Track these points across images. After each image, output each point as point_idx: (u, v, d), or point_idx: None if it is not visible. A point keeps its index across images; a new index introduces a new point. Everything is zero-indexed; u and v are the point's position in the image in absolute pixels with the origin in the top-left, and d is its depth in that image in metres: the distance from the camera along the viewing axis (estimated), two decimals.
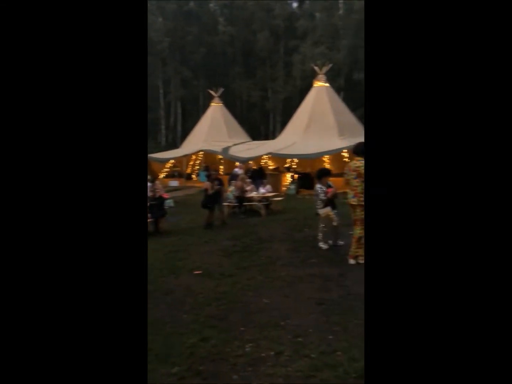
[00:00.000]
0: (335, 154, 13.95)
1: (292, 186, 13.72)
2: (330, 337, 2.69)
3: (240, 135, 20.65)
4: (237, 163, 13.81)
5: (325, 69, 17.20)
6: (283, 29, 29.82)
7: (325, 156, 15.44)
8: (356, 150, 4.78)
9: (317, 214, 5.82)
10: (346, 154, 13.43)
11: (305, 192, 13.49)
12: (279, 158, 15.05)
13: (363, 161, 4.61)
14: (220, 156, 16.54)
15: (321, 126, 15.62)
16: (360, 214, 4.61)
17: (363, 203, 4.60)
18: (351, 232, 5.02)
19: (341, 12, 25.41)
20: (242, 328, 2.92)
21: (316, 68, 17.42)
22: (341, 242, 5.61)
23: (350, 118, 16.90)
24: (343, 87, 24.27)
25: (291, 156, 14.71)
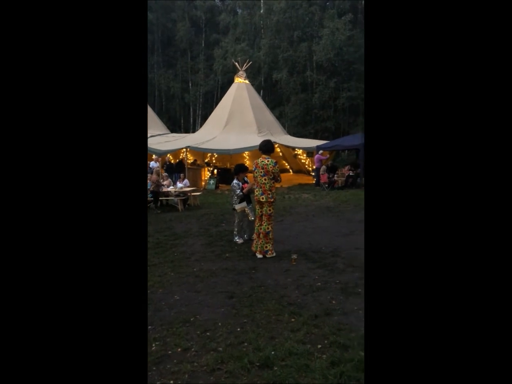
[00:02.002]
0: (255, 150, 14.26)
1: (212, 181, 13.68)
2: (238, 329, 2.75)
3: (158, 126, 19.86)
4: (154, 156, 13.28)
5: (245, 66, 17.42)
6: (204, 22, 29.39)
7: (245, 152, 15.71)
8: (262, 148, 4.95)
9: (233, 209, 5.89)
10: None
11: (224, 187, 13.55)
12: (198, 152, 14.86)
13: (270, 159, 4.84)
14: None
15: (241, 122, 15.82)
16: (267, 210, 4.80)
17: (271, 200, 4.82)
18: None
19: (262, 11, 25.94)
20: (149, 327, 2.81)
21: (236, 64, 17.55)
22: (254, 237, 5.76)
23: (269, 116, 17.42)
24: (263, 86, 24.88)
25: (211, 150, 14.65)
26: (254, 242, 4.97)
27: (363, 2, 25.39)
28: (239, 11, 28.95)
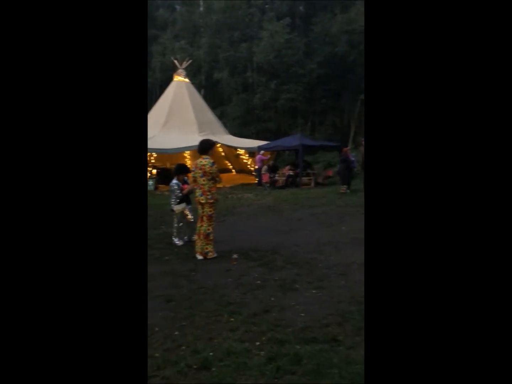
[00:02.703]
0: (195, 150, 14.06)
1: (150, 182, 13.23)
2: (176, 333, 2.69)
3: None
4: None
5: (185, 64, 17.11)
6: None
7: (186, 152, 15.41)
8: (200, 149, 4.91)
9: (172, 210, 5.76)
10: None
11: (164, 188, 13.16)
12: None
13: (208, 159, 4.81)
14: None
15: (181, 121, 15.51)
16: (208, 211, 4.77)
17: (211, 201, 4.79)
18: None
19: (201, 9, 25.68)
20: None
21: (176, 62, 17.17)
22: (195, 238, 5.69)
23: (210, 116, 17.30)
24: (204, 85, 24.64)
25: (150, 150, 14.14)
26: (196, 243, 4.91)
27: (301, 7, 26.31)
28: (178, 7, 28.35)
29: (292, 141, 14.60)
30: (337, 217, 7.34)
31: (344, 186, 10.87)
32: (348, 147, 14.63)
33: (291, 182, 13.63)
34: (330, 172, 14.43)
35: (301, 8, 26.48)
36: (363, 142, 11.64)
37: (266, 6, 25.23)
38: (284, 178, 13.93)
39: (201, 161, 4.77)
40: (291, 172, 14.01)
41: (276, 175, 14.06)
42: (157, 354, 2.38)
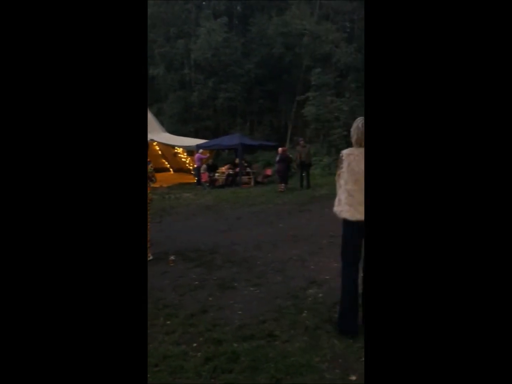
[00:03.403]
0: None
1: None
2: None
3: None
4: None
5: None
6: None
7: None
8: None
9: None
10: None
11: None
12: None
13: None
14: None
15: None
16: None
17: (147, 201, 4.61)
18: None
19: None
20: None
21: None
22: None
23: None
24: None
25: None
26: None
27: (238, 7, 26.45)
28: None
29: (231, 140, 14.65)
30: (275, 215, 7.52)
31: (283, 184, 11.17)
32: (286, 147, 15.07)
33: (231, 181, 13.68)
34: (269, 171, 14.74)
35: (238, 8, 26.62)
36: (300, 142, 12.05)
37: (203, 3, 24.95)
38: (223, 177, 13.92)
39: None
40: (230, 171, 14.05)
41: (216, 174, 14.01)
42: None
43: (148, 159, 4.72)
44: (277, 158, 11.65)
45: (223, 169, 14.55)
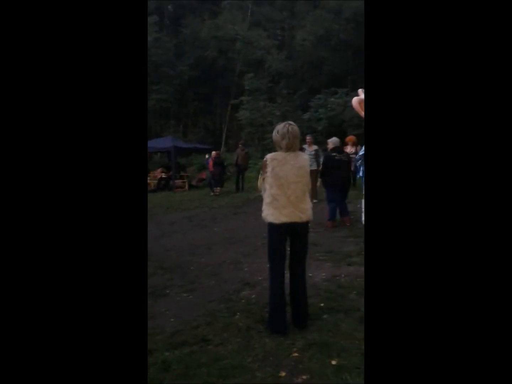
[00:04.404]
0: None
1: None
2: None
3: None
4: None
5: None
6: None
7: None
8: None
9: None
10: None
11: None
12: None
13: None
14: None
15: None
16: None
17: None
18: None
19: None
20: None
21: None
22: None
23: None
24: None
25: None
26: None
27: (169, 6, 25.89)
28: None
29: (164, 142, 14.27)
30: (210, 219, 7.50)
31: (218, 188, 11.17)
32: (220, 150, 15.09)
33: (164, 185, 13.31)
34: (204, 175, 14.63)
35: (169, 7, 26.09)
36: (240, 146, 12.19)
37: None
38: (156, 181, 13.50)
39: None
40: (163, 175, 13.67)
41: (148, 177, 13.52)
42: None
43: None
44: (212, 161, 11.62)
45: (156, 172, 14.11)
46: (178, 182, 13.37)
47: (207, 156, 13.66)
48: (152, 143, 14.66)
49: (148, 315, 3.01)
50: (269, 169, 2.54)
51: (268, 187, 2.56)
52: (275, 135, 2.59)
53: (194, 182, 14.10)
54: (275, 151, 2.67)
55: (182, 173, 14.01)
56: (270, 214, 2.54)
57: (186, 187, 13.40)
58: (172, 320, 2.92)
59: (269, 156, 2.59)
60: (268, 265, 2.69)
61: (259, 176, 2.83)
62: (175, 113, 23.26)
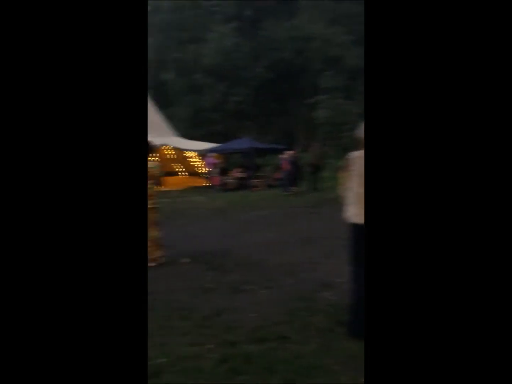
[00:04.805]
0: None
1: None
2: None
3: None
4: None
5: None
6: None
7: None
8: None
9: None
10: None
11: None
12: None
13: (153, 161, 4.68)
14: None
15: None
16: (155, 216, 4.61)
17: (156, 205, 4.64)
18: None
19: (149, 9, 25.00)
20: None
21: None
22: None
23: (158, 117, 16.90)
24: (151, 86, 24.00)
25: None
26: None
27: (248, 11, 26.62)
28: None
29: (242, 143, 14.75)
30: (285, 218, 7.56)
31: (292, 188, 11.20)
32: (295, 150, 15.08)
33: (242, 185, 13.75)
34: (279, 175, 14.77)
35: (248, 12, 26.81)
36: (315, 145, 12.11)
37: (215, 8, 25.21)
38: (234, 181, 14.01)
39: None
40: (241, 175, 14.13)
41: (227, 177, 14.10)
42: None
43: (158, 163, 4.79)
44: (286, 161, 11.68)
45: (234, 172, 14.64)
46: (255, 181, 13.70)
47: (282, 156, 13.77)
48: (230, 144, 15.28)
49: (229, 308, 3.16)
50: (355, 167, 2.46)
51: (354, 186, 2.47)
52: (361, 132, 2.51)
53: (270, 182, 14.32)
54: (355, 149, 2.57)
55: (258, 173, 14.33)
56: (355, 214, 2.46)
57: (263, 186, 13.67)
58: (252, 315, 3.02)
59: (355, 154, 2.50)
60: (349, 268, 2.62)
61: (341, 175, 2.76)
62: (251, 115, 23.86)
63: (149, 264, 4.55)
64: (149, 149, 4.75)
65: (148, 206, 4.54)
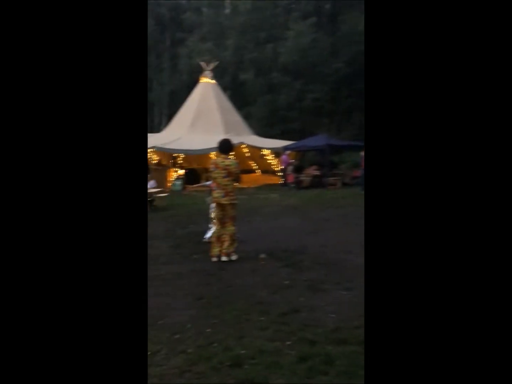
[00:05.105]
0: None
1: (178, 182, 13.49)
2: (208, 330, 2.74)
3: None
4: None
5: (212, 65, 17.32)
6: (168, 19, 28.91)
7: (212, 153, 15.60)
8: (225, 148, 4.83)
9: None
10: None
11: (191, 188, 13.39)
12: (164, 152, 14.59)
13: (231, 159, 4.76)
14: None
15: (207, 122, 15.72)
16: (232, 212, 4.70)
17: (234, 201, 4.74)
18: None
19: (227, 11, 25.92)
20: None
21: (203, 64, 17.40)
22: (213, 240, 5.69)
23: (236, 117, 17.44)
24: (229, 86, 24.86)
25: (178, 151, 14.42)
26: (212, 247, 4.73)
27: (326, 6, 26.04)
28: (204, 10, 28.71)
29: (317, 141, 14.49)
30: (363, 218, 7.22)
31: None
32: None
33: (317, 183, 13.53)
34: (358, 172, 14.21)
35: (327, 7, 26.21)
36: None
37: (292, 6, 25.15)
38: (309, 179, 13.84)
39: (223, 161, 4.68)
40: (316, 172, 13.90)
41: (302, 175, 13.99)
42: (190, 350, 2.44)
43: (236, 161, 4.90)
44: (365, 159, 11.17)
45: (309, 170, 14.46)
46: (331, 179, 13.37)
47: (362, 153, 13.20)
48: (306, 142, 15.10)
49: (308, 307, 3.11)
50: None
51: None
52: None
53: (347, 180, 13.85)
54: None
55: (334, 171, 13.95)
56: None
57: (339, 184, 13.28)
58: (332, 315, 2.93)
59: None
60: None
61: None
62: (328, 111, 23.32)
63: (223, 259, 4.68)
64: (229, 147, 4.89)
65: (227, 202, 4.68)
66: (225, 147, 4.85)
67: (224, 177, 4.64)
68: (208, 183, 5.75)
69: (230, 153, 4.86)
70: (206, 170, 16.18)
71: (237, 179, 4.81)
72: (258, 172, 18.06)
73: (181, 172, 14.48)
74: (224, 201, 4.66)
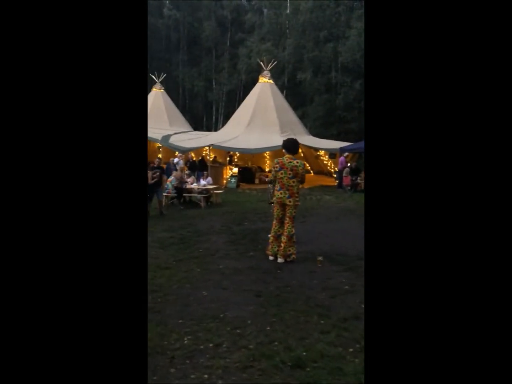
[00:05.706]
0: (276, 150, 14.25)
1: (233, 180, 13.75)
2: (268, 328, 2.76)
3: (182, 124, 20.10)
4: (177, 153, 13.45)
5: (270, 65, 17.41)
6: (230, 21, 29.54)
7: (267, 152, 15.70)
8: (289, 148, 4.72)
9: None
10: None
11: (245, 186, 13.58)
12: (220, 150, 14.95)
13: (298, 160, 4.67)
14: (159, 144, 15.96)
15: (264, 121, 15.82)
16: (292, 212, 4.63)
17: (298, 202, 4.69)
18: (269, 235, 4.88)
19: (288, 11, 25.88)
20: (179, 321, 2.86)
21: (261, 63, 17.55)
22: (270, 239, 5.68)
23: (292, 116, 17.35)
24: (286, 86, 24.82)
25: (234, 149, 14.71)
26: (270, 245, 4.73)
27: None
28: (265, 10, 28.94)
29: None
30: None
31: None
32: None
33: None
34: None
35: None
36: None
37: (355, 3, 24.45)
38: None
39: (290, 162, 4.60)
40: None
41: (358, 177, 13.57)
42: (251, 346, 2.47)
43: (303, 162, 4.84)
44: None
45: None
46: None
47: None
48: (362, 144, 14.59)
49: None
50: None
51: None
52: None
53: None
54: None
55: None
56: None
57: None
58: None
59: None
60: None
61: None
62: None
63: (279, 260, 4.63)
64: (296, 147, 4.83)
65: (292, 203, 4.62)
66: (293, 147, 4.75)
67: (290, 178, 4.56)
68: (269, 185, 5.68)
69: (295, 153, 4.79)
70: (260, 168, 16.45)
71: (302, 180, 4.74)
72: (312, 172, 17.84)
73: (236, 170, 14.74)
74: (288, 202, 4.59)
